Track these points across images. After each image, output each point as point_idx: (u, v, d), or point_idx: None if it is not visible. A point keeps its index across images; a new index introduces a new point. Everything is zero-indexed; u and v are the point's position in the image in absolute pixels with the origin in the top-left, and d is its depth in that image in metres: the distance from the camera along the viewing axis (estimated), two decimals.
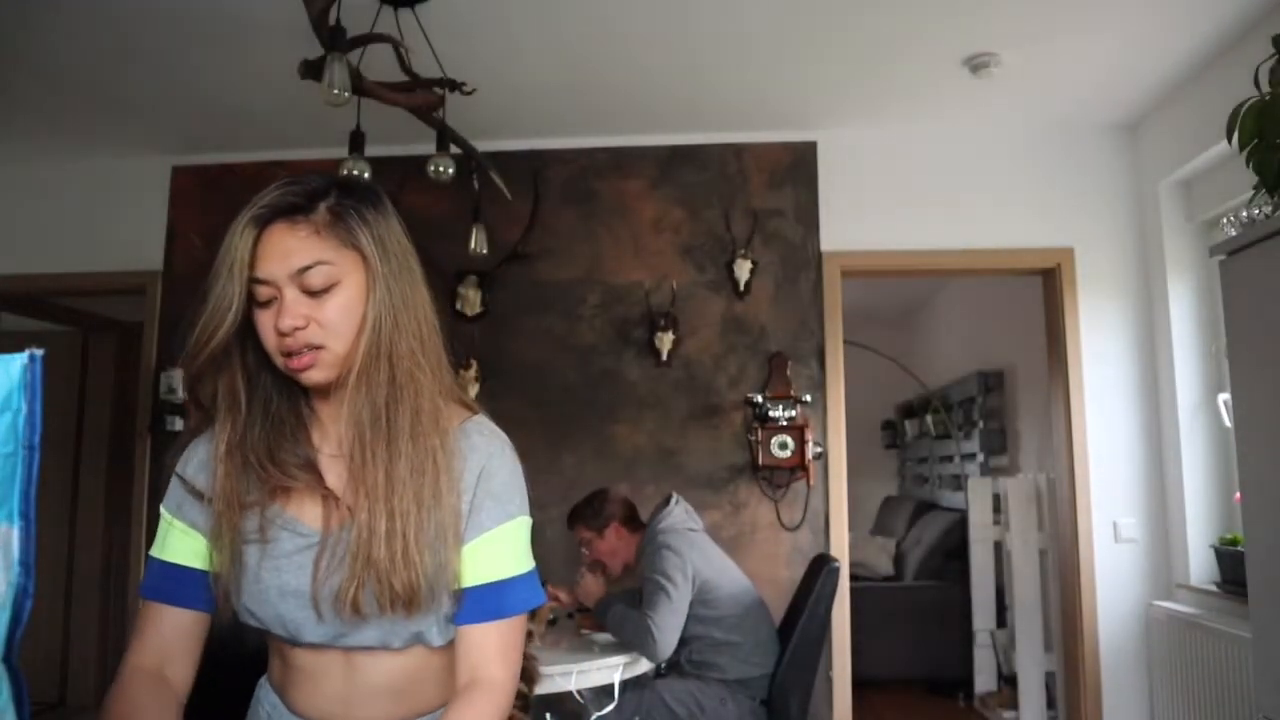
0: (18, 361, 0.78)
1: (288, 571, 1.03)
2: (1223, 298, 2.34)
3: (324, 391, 1.06)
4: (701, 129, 3.74)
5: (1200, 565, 3.26)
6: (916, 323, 7.53)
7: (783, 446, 3.51)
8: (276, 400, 1.07)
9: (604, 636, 2.77)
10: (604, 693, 2.60)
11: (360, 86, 2.26)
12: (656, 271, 3.74)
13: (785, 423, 3.51)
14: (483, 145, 3.25)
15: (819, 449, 3.59)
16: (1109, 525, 3.50)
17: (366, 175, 2.49)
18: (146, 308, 3.92)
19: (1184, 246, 3.43)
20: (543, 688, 2.25)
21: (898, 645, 4.97)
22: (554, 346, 3.75)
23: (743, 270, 3.67)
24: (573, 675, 2.48)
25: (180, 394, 3.75)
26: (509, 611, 1.05)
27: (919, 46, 3.03)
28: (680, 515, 2.96)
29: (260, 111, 3.51)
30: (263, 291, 0.99)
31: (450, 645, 1.07)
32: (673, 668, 2.88)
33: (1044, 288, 3.76)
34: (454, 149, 2.78)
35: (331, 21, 2.17)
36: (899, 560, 5.57)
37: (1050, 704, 4.11)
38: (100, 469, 4.97)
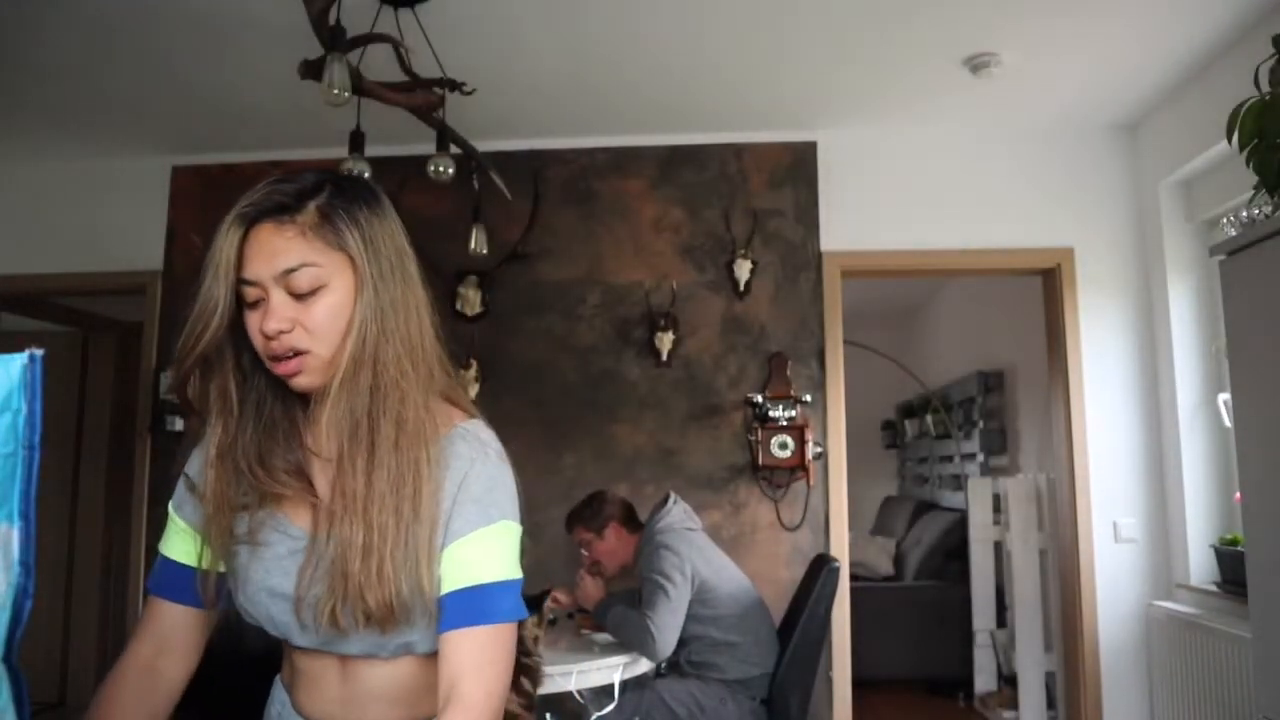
0: (18, 361, 0.78)
1: (276, 574, 1.02)
2: (1223, 298, 2.34)
3: (317, 395, 1.03)
4: (701, 129, 3.74)
5: (1200, 565, 3.26)
6: (916, 323, 7.53)
7: (783, 446, 3.51)
8: (270, 402, 1.05)
9: (604, 636, 2.77)
10: (604, 693, 2.60)
11: (360, 86, 2.26)
12: (656, 271, 3.74)
13: (785, 423, 3.51)
14: (483, 145, 3.25)
15: (819, 449, 3.59)
16: (1109, 525, 3.50)
17: (366, 175, 2.49)
18: (146, 308, 3.92)
19: (1184, 246, 3.43)
20: (543, 688, 2.25)
21: (898, 645, 4.97)
22: (554, 346, 3.75)
23: (743, 270, 3.68)
24: (573, 675, 2.48)
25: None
26: (489, 618, 0.97)
27: (919, 46, 3.03)
28: (679, 515, 2.96)
29: (260, 111, 3.51)
30: (251, 293, 0.97)
31: None
32: (673, 668, 2.88)
33: (1044, 288, 3.76)
34: (454, 149, 2.78)
35: (331, 21, 2.17)
36: (899, 560, 5.57)
37: (1050, 704, 4.11)
38: (100, 469, 4.97)
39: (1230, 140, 2.15)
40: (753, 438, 3.55)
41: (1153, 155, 3.52)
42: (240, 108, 3.48)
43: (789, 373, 3.64)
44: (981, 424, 5.50)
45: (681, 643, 2.76)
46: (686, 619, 2.74)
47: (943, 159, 3.71)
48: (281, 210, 0.97)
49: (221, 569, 1.05)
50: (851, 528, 3.81)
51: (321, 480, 1.05)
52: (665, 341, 3.63)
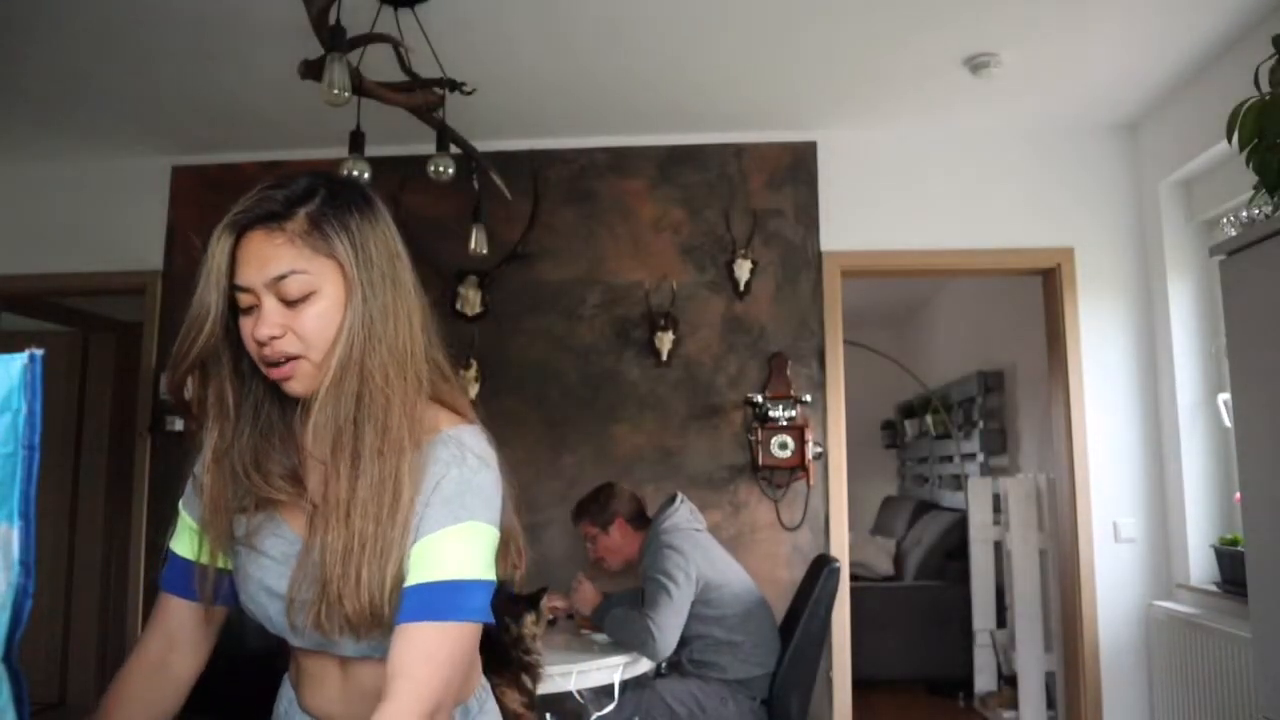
0: (18, 361, 0.78)
1: (271, 576, 1.03)
2: (1223, 298, 2.34)
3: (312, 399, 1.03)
4: (701, 129, 3.74)
5: (1200, 565, 3.26)
6: (916, 323, 7.53)
7: (783, 446, 3.51)
8: (267, 407, 1.05)
9: (604, 636, 2.77)
10: (604, 693, 2.60)
11: (360, 86, 2.26)
12: (656, 271, 3.74)
13: (785, 423, 3.51)
14: (483, 145, 3.24)
15: (819, 449, 3.59)
16: (1109, 525, 3.50)
17: (366, 175, 2.49)
18: (146, 308, 3.93)
19: (1184, 246, 3.43)
20: (543, 688, 2.25)
21: (898, 645, 4.97)
22: (554, 346, 3.75)
23: (743, 270, 3.68)
24: (573, 675, 2.48)
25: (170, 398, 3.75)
26: (442, 615, 0.93)
27: (919, 46, 3.03)
28: (685, 515, 2.96)
29: (260, 111, 3.51)
30: (244, 299, 0.98)
31: None
32: (673, 667, 2.88)
33: (1044, 288, 3.76)
34: (454, 149, 2.78)
35: (331, 21, 2.16)
36: (899, 560, 5.57)
37: (1050, 704, 4.11)
38: (100, 469, 4.97)
39: (1230, 140, 2.15)
40: (753, 438, 3.55)
41: (1153, 155, 3.52)
42: (240, 108, 3.48)
43: (789, 373, 3.64)
44: (981, 424, 5.50)
45: (683, 641, 2.75)
46: (690, 618, 2.74)
47: (943, 159, 3.71)
48: (271, 218, 0.98)
49: (221, 566, 1.07)
50: (851, 528, 3.81)
51: (316, 483, 1.05)
52: (665, 341, 3.63)
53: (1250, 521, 2.21)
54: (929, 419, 6.45)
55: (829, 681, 3.48)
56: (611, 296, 3.76)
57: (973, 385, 5.63)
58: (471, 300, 3.73)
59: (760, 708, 2.79)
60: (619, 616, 2.71)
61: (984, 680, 4.67)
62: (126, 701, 1.05)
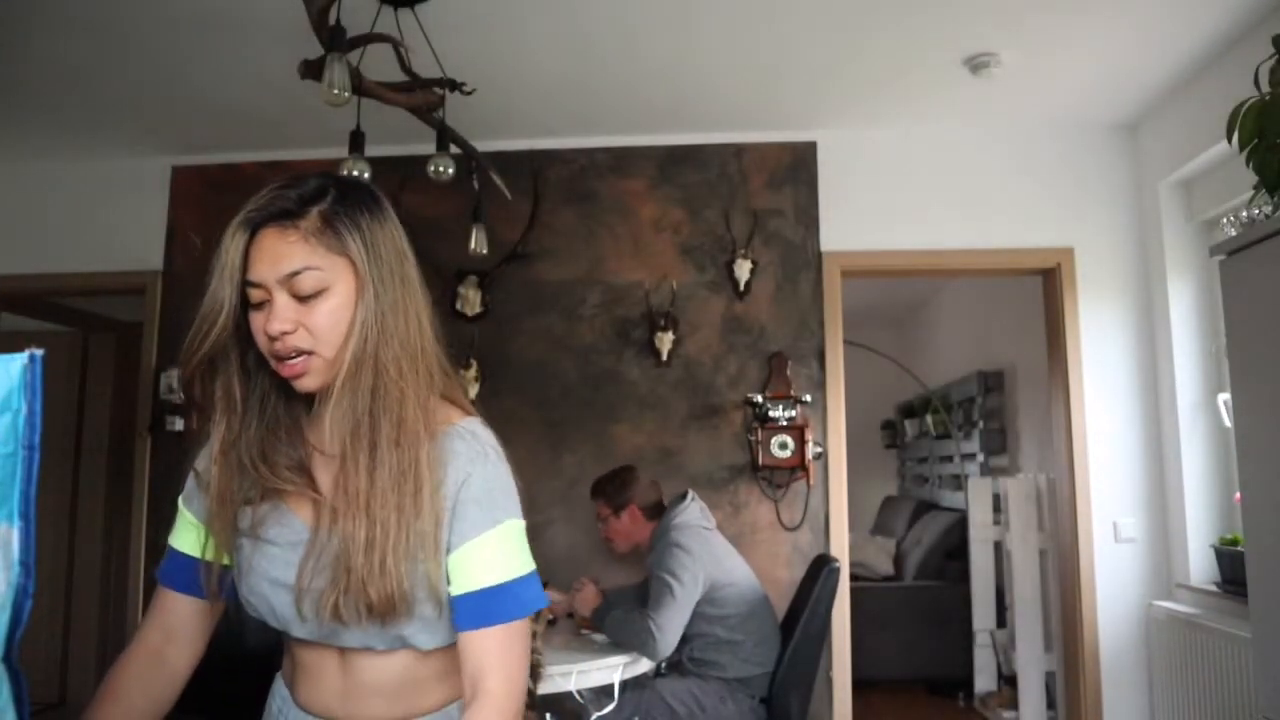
0: (18, 361, 0.78)
1: (278, 566, 1.05)
2: (1223, 298, 2.34)
3: (322, 394, 1.05)
4: (701, 129, 3.74)
5: (1200, 565, 3.26)
6: (916, 323, 7.53)
7: (783, 446, 3.51)
8: (274, 400, 1.08)
9: (604, 636, 2.77)
10: (604, 693, 2.60)
11: (360, 86, 2.26)
12: (656, 271, 3.74)
13: (785, 423, 3.51)
14: (483, 145, 3.25)
15: (819, 449, 3.59)
16: (1109, 525, 3.50)
17: (366, 175, 2.49)
18: (146, 308, 3.92)
19: (1184, 246, 3.43)
20: (543, 687, 2.25)
21: (898, 645, 4.97)
22: (554, 346, 3.75)
23: (743, 270, 3.67)
24: (573, 675, 2.48)
25: (179, 394, 3.75)
26: (504, 617, 1.03)
27: (919, 46, 3.03)
28: (695, 513, 2.96)
29: (260, 111, 3.51)
30: (255, 294, 1.00)
31: (446, 649, 1.07)
32: (673, 666, 2.88)
33: (1044, 288, 3.76)
34: (454, 149, 2.78)
35: (331, 21, 2.16)
36: (899, 560, 5.57)
37: (1050, 704, 4.11)
38: (100, 469, 4.97)
39: (1230, 140, 2.14)
40: (753, 438, 3.55)
41: (1153, 155, 3.52)
42: (240, 108, 3.48)
43: (789, 373, 3.64)
44: (981, 424, 5.50)
45: (685, 639, 2.75)
46: (694, 616, 2.74)
47: (943, 159, 3.71)
48: (285, 215, 1.00)
49: (224, 562, 1.08)
50: (851, 528, 3.81)
51: (324, 476, 1.07)
52: (665, 341, 3.63)
53: (1250, 521, 2.21)
54: (929, 419, 6.45)
55: (829, 681, 3.48)
56: (611, 296, 3.76)
57: (973, 385, 5.63)
58: (471, 300, 3.73)
59: (760, 706, 2.79)
60: (619, 618, 2.71)
61: (984, 680, 4.68)
62: (123, 691, 1.07)
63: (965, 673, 4.76)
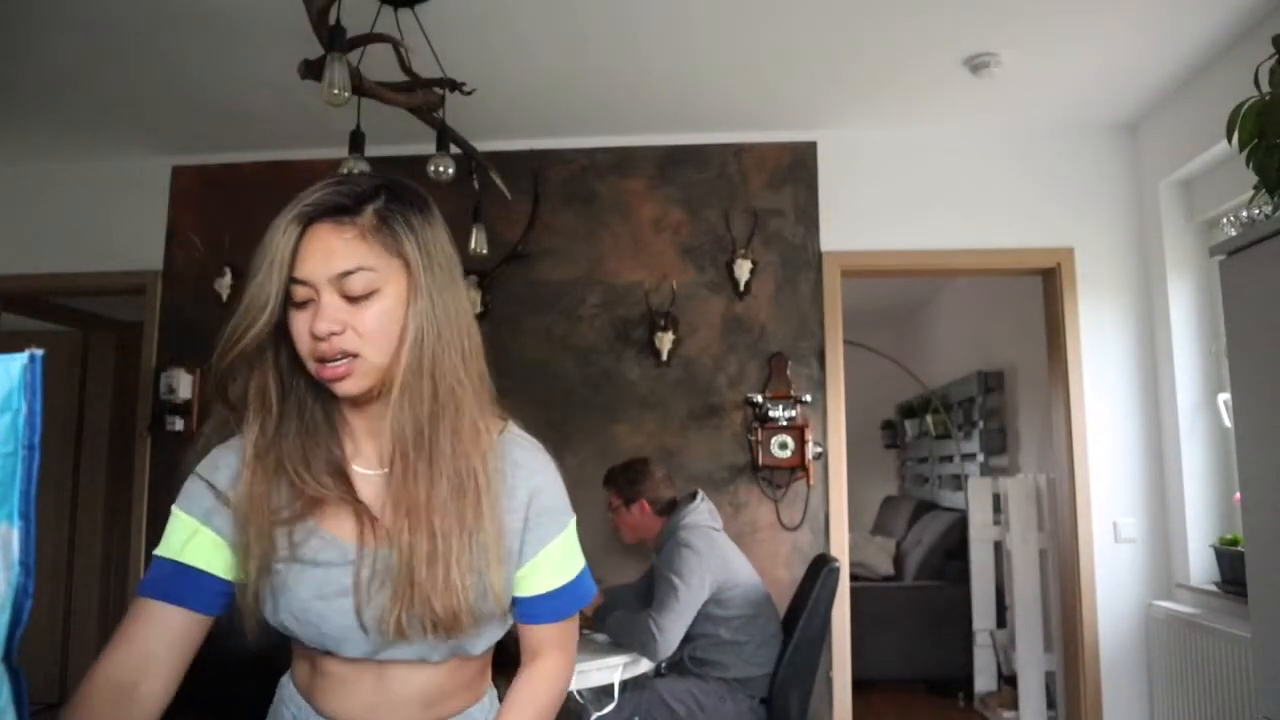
0: (18, 361, 0.78)
1: (326, 586, 0.99)
2: (1223, 298, 2.34)
3: (357, 402, 1.02)
4: (701, 129, 3.74)
5: (1200, 565, 3.26)
6: (916, 323, 7.53)
7: (783, 446, 3.51)
8: (310, 403, 1.03)
9: (604, 636, 2.77)
10: (604, 693, 2.60)
11: (360, 86, 2.26)
12: (656, 271, 3.74)
13: (785, 423, 3.51)
14: (483, 145, 3.25)
15: (819, 449, 3.59)
16: (1109, 525, 3.50)
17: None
18: (146, 308, 3.92)
19: (1184, 246, 3.43)
20: None
21: (898, 645, 4.97)
22: (554, 346, 3.75)
23: (743, 270, 3.67)
24: (572, 675, 2.47)
25: (179, 394, 3.75)
26: (567, 613, 1.10)
27: (919, 46, 3.03)
28: (704, 514, 2.95)
29: (260, 111, 3.51)
30: (300, 292, 0.95)
31: (485, 653, 1.09)
32: (674, 666, 2.87)
33: (1044, 288, 3.76)
34: (454, 149, 2.79)
35: (331, 21, 2.17)
36: (899, 560, 5.57)
37: (1050, 704, 4.11)
38: (100, 469, 4.97)
39: (1230, 140, 2.15)
40: (753, 438, 3.55)
41: (1153, 155, 3.52)
42: (240, 108, 3.48)
43: (789, 373, 3.64)
44: (981, 424, 5.50)
45: (687, 638, 2.75)
46: (698, 616, 2.73)
47: (943, 159, 3.71)
48: (341, 211, 0.97)
49: (229, 576, 1.00)
50: (851, 528, 3.81)
51: (364, 486, 1.03)
52: (665, 341, 3.63)
53: (1250, 521, 2.21)
54: (929, 419, 6.45)
55: (829, 681, 3.48)
56: (611, 296, 3.76)
57: (973, 385, 5.63)
58: (471, 300, 3.72)
59: (759, 706, 2.79)
60: (620, 619, 2.71)
61: (984, 680, 4.68)
62: None
63: (965, 673, 4.76)
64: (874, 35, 2.95)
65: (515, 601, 1.08)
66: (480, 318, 3.73)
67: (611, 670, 2.58)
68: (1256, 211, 2.11)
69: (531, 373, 3.72)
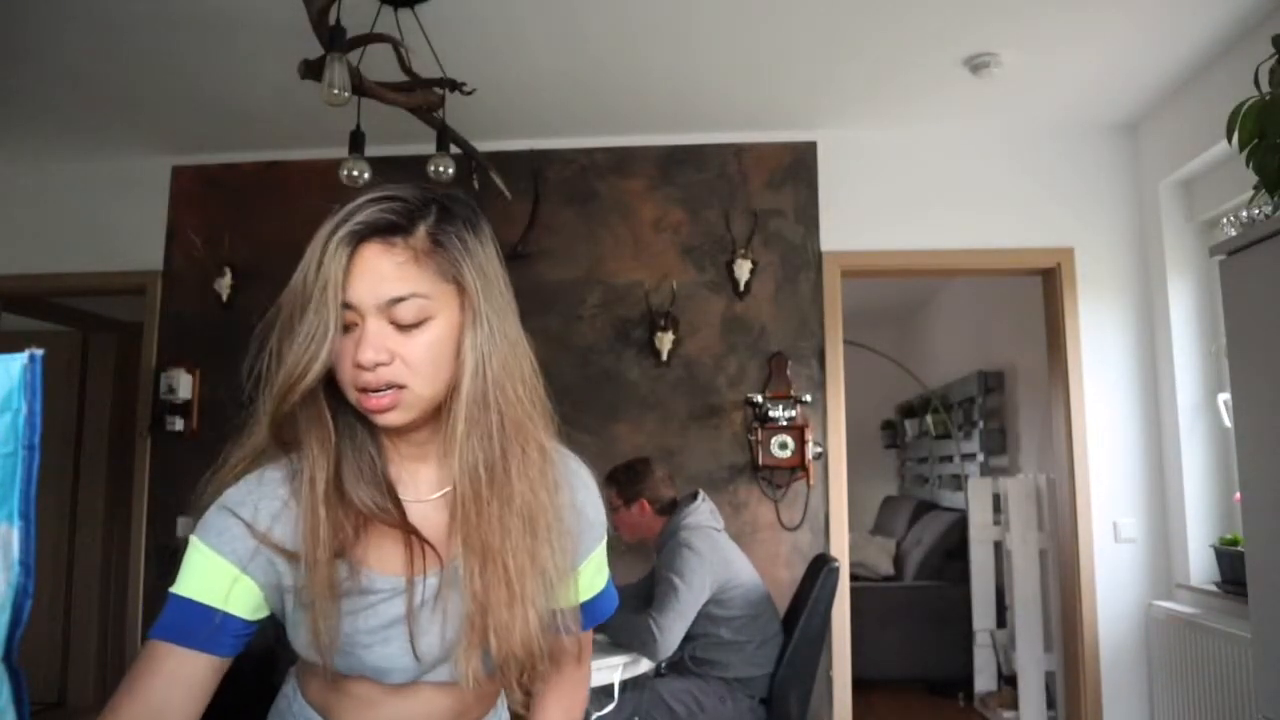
0: (18, 361, 0.78)
1: (375, 619, 0.94)
2: (1223, 298, 2.34)
3: (401, 429, 0.95)
4: (701, 129, 3.74)
5: (1200, 565, 3.26)
6: (916, 323, 7.53)
7: (783, 446, 3.51)
8: (359, 430, 0.96)
9: (604, 636, 2.77)
10: (604, 693, 2.60)
11: (360, 86, 2.26)
12: (656, 271, 3.74)
13: (785, 423, 3.51)
14: (483, 145, 3.25)
15: (819, 449, 3.59)
16: (1109, 525, 3.50)
17: (367, 175, 2.49)
18: (146, 308, 3.92)
19: (1184, 246, 3.43)
20: None
21: (898, 645, 4.97)
22: (554, 346, 3.75)
23: (743, 270, 3.67)
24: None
25: (179, 394, 3.75)
26: (595, 622, 1.13)
27: (919, 46, 3.03)
28: (705, 514, 2.95)
29: (260, 111, 3.51)
30: (345, 316, 0.87)
31: None
32: (674, 666, 2.87)
33: (1044, 288, 3.76)
34: (454, 149, 2.79)
35: (331, 21, 2.17)
36: (899, 560, 5.57)
37: (1050, 704, 4.11)
38: (100, 469, 4.97)
39: (1230, 140, 2.15)
40: (753, 438, 3.55)
41: (1153, 155, 3.52)
42: (240, 108, 3.48)
43: (789, 373, 3.64)
44: (981, 424, 5.50)
45: (687, 638, 2.74)
46: (699, 616, 2.73)
47: (943, 159, 3.71)
48: (393, 230, 0.88)
49: (250, 617, 0.92)
50: (851, 528, 3.81)
51: (412, 512, 0.96)
52: (665, 341, 3.63)
53: (1250, 521, 2.21)
54: (929, 419, 6.45)
55: (829, 681, 3.48)
56: (611, 296, 3.76)
57: (973, 385, 5.63)
58: None
59: (759, 706, 2.79)
60: (620, 619, 2.70)
61: (984, 680, 4.67)
62: None
63: (965, 673, 4.75)
64: (874, 35, 2.95)
65: None
66: None
67: (611, 670, 2.57)
68: (1256, 211, 2.11)
69: None
